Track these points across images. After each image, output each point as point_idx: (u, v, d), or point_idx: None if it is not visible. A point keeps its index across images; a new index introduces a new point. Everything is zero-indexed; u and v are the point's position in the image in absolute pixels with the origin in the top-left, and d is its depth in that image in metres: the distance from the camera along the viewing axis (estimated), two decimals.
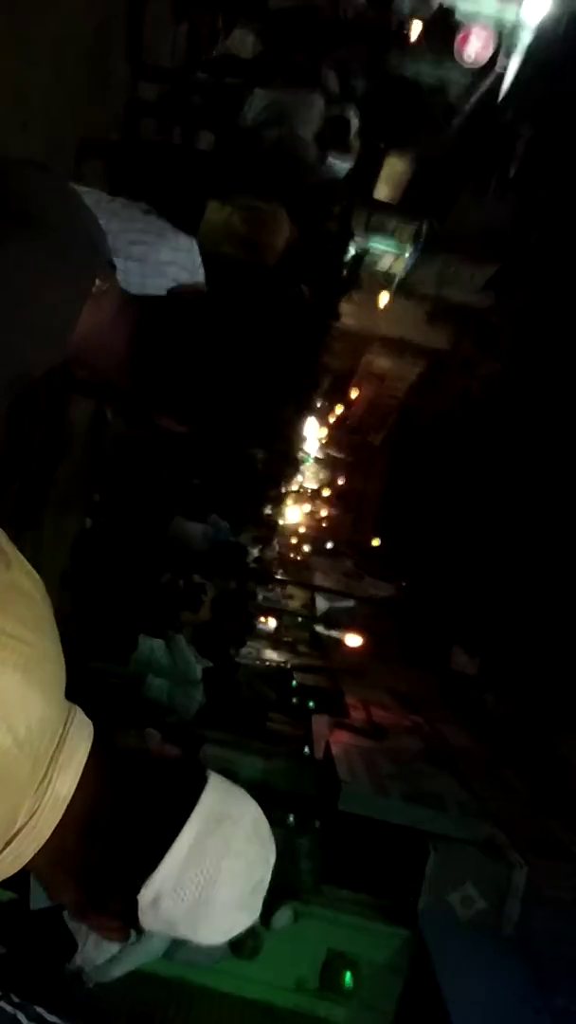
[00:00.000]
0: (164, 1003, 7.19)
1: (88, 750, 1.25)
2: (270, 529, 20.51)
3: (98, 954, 5.28)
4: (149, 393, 1.79)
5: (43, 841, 1.19)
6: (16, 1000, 2.50)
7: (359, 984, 7.93)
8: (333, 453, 46.02)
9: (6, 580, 1.20)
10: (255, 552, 14.17)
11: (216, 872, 1.22)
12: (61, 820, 1.21)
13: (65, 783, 1.21)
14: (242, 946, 6.63)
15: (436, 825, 8.55)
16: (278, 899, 6.88)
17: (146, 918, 1.23)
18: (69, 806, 1.21)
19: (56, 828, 1.20)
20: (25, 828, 1.17)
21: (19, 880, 4.17)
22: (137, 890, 1.20)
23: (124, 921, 1.26)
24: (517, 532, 20.98)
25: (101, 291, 1.65)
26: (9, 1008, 2.47)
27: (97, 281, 1.64)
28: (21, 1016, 2.48)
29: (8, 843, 1.16)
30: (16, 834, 1.16)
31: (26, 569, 1.27)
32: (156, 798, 1.27)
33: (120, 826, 1.25)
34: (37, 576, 1.28)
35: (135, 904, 1.21)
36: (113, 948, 5.31)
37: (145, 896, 1.20)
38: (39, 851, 1.21)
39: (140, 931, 1.26)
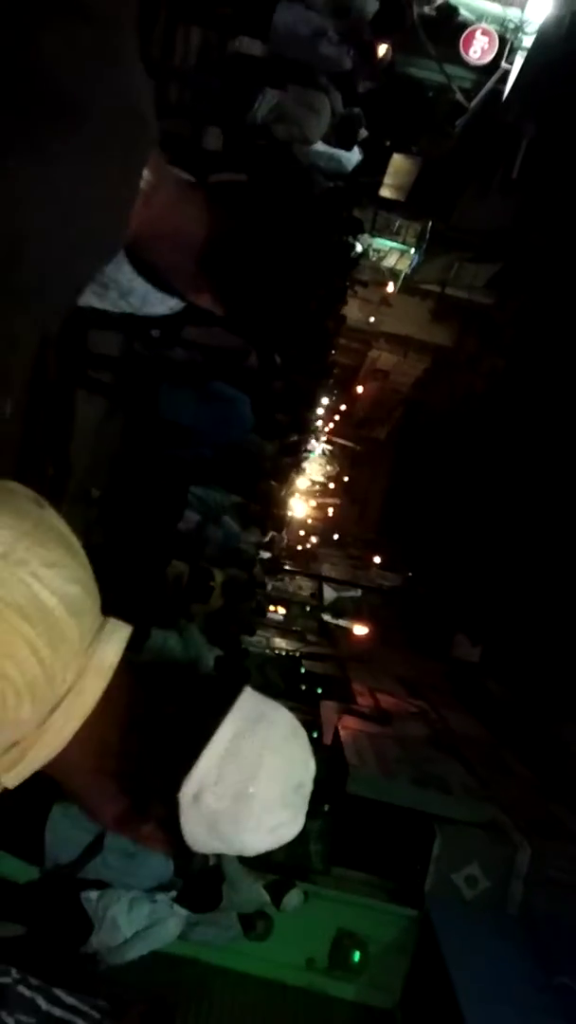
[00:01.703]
0: (179, 983, 7.26)
1: (128, 635, 1.28)
2: (278, 521, 20.43)
3: (113, 936, 5.41)
4: (224, 281, 1.65)
5: (88, 709, 1.21)
6: (34, 983, 2.62)
7: (367, 962, 8.08)
8: (341, 441, 45.85)
9: (37, 514, 1.24)
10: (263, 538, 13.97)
11: (256, 766, 1.24)
12: (101, 717, 1.23)
13: (110, 652, 1.24)
14: (254, 928, 6.75)
15: (442, 808, 8.71)
16: (288, 881, 6.96)
17: (188, 819, 1.22)
18: (108, 703, 1.23)
19: (96, 725, 1.22)
20: (73, 690, 1.20)
21: (34, 845, 4.30)
22: (178, 787, 1.21)
23: (167, 829, 1.25)
24: (519, 524, 21.02)
25: (151, 185, 1.48)
26: (28, 992, 2.60)
27: (146, 173, 1.46)
28: (40, 999, 2.62)
29: (57, 705, 1.19)
30: (65, 695, 1.19)
31: (60, 519, 1.30)
32: (194, 698, 1.31)
33: (158, 722, 1.28)
34: (70, 530, 1.31)
35: (177, 805, 1.21)
36: (127, 931, 5.44)
37: (187, 792, 1.21)
38: (81, 755, 1.23)
39: (183, 843, 1.26)
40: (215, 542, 8.87)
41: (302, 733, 1.35)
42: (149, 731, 1.27)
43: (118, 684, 1.25)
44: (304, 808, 1.31)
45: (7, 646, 1.10)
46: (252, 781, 1.23)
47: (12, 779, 1.20)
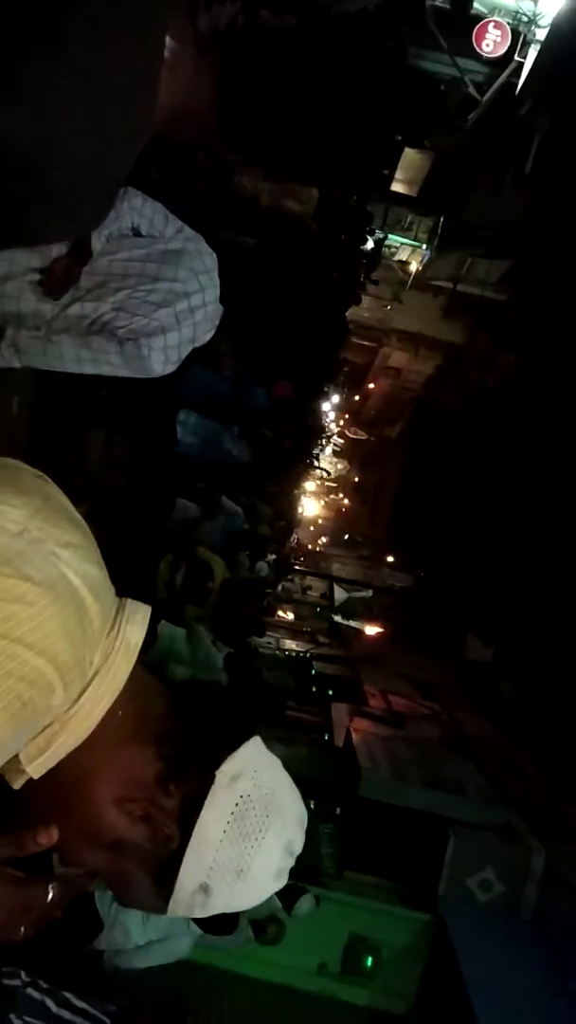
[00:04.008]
0: (189, 987, 7.21)
1: (148, 614, 1.28)
2: (289, 519, 20.43)
3: (122, 940, 5.33)
4: (240, 137, 1.54)
5: (117, 690, 1.20)
6: (44, 986, 2.56)
7: (380, 967, 7.98)
8: (353, 435, 45.93)
9: (45, 490, 1.23)
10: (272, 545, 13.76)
11: (285, 778, 1.29)
12: (141, 688, 1.23)
13: (134, 633, 1.24)
14: (265, 932, 6.69)
15: (455, 810, 8.61)
16: (300, 886, 6.90)
17: (217, 800, 1.20)
18: (135, 683, 1.22)
19: (135, 696, 1.22)
20: (101, 672, 1.19)
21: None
22: (218, 764, 1.21)
23: (186, 811, 1.21)
24: (532, 523, 20.99)
25: (175, 54, 1.39)
26: (37, 995, 2.54)
27: (168, 41, 1.38)
28: (49, 1002, 2.55)
29: (85, 688, 1.17)
30: (93, 678, 1.18)
31: (64, 496, 1.29)
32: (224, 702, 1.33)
33: (207, 703, 1.30)
34: (74, 508, 1.29)
35: (209, 782, 1.20)
36: (139, 939, 5.37)
37: (227, 770, 1.21)
38: (107, 730, 1.20)
39: (186, 835, 1.20)
40: (215, 527, 8.45)
41: None
42: (201, 708, 1.29)
43: (143, 666, 1.25)
44: (301, 846, 1.30)
45: (42, 627, 1.05)
46: (282, 786, 1.27)
47: (37, 769, 1.15)
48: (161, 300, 3.28)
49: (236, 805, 1.20)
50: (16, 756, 1.14)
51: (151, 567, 7.32)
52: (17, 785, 1.16)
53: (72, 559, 1.12)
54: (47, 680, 1.07)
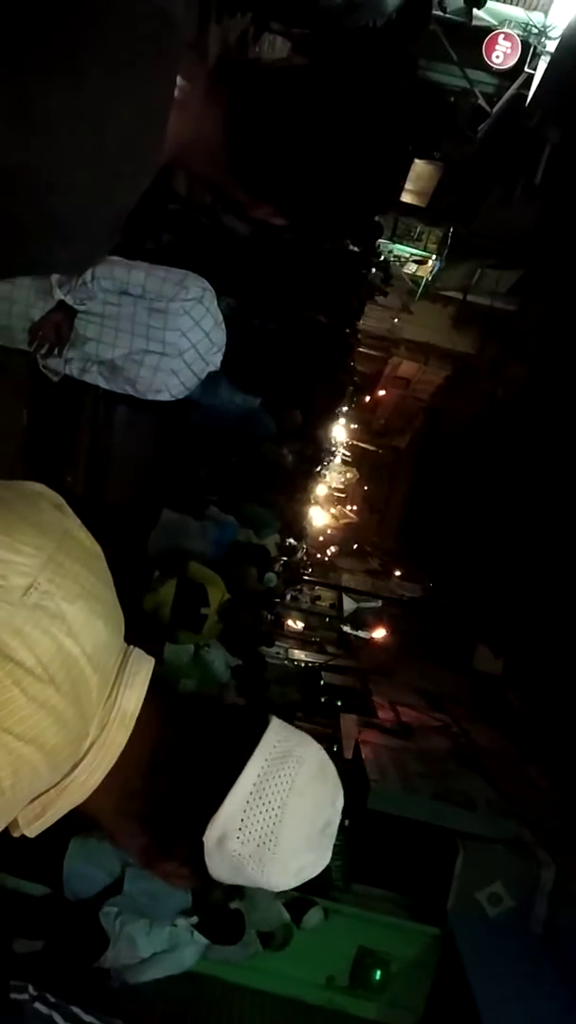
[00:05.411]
0: (197, 1000, 7.19)
1: (150, 672, 1.28)
2: (298, 529, 20.36)
3: (129, 955, 5.32)
4: (251, 178, 1.52)
5: (113, 760, 1.21)
6: (52, 1000, 2.55)
7: (389, 981, 7.95)
8: (363, 445, 45.92)
9: (64, 525, 1.24)
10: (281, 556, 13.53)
11: (282, 811, 1.22)
12: (124, 761, 1.22)
13: (131, 699, 1.23)
14: (272, 938, 6.66)
15: (464, 824, 8.59)
16: (308, 899, 6.87)
17: (213, 861, 1.21)
18: (132, 746, 1.22)
19: (120, 768, 1.21)
20: (96, 743, 1.19)
21: (52, 874, 4.26)
22: (202, 831, 1.20)
23: (192, 866, 1.24)
24: (542, 534, 20.93)
25: (185, 92, 1.37)
26: (44, 1009, 2.53)
27: (179, 80, 1.36)
28: (57, 1017, 2.54)
29: (81, 759, 1.18)
30: (88, 750, 1.18)
31: (83, 527, 1.30)
32: (218, 736, 1.29)
33: (182, 764, 1.26)
34: (93, 539, 1.31)
35: (201, 847, 1.21)
36: (144, 951, 5.36)
37: (210, 836, 1.20)
38: (101, 799, 1.21)
39: (208, 880, 1.25)
40: (206, 538, 7.75)
41: (330, 769, 1.34)
42: (173, 773, 1.25)
43: (141, 728, 1.23)
44: (330, 847, 1.30)
45: (33, 716, 1.06)
46: (277, 826, 1.21)
47: (34, 831, 1.17)
48: (156, 364, 3.42)
49: (230, 862, 1.21)
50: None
51: (137, 589, 6.86)
52: (16, 835, 1.18)
53: (78, 617, 1.12)
54: (33, 766, 1.09)
